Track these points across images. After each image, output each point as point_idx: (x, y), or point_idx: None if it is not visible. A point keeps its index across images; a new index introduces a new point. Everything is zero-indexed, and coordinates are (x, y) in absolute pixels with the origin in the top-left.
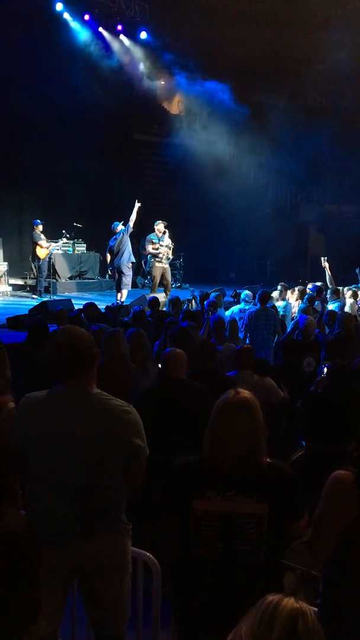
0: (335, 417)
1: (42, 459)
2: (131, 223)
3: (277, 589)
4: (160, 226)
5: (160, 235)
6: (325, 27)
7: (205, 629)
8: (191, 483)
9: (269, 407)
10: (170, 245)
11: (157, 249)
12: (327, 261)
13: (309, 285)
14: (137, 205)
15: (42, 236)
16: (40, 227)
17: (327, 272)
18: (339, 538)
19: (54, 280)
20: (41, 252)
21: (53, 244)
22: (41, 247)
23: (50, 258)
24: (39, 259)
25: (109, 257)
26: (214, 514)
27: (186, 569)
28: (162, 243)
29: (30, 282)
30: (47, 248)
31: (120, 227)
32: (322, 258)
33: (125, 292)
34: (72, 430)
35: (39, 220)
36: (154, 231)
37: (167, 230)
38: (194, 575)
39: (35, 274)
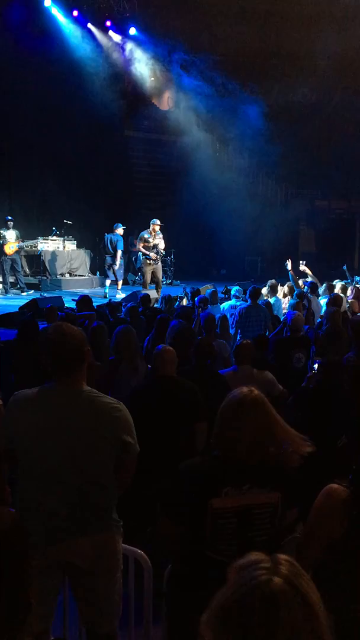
0: (326, 413)
1: (33, 456)
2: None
3: None
4: (155, 226)
5: (154, 234)
6: (316, 23)
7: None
8: (205, 483)
9: (269, 401)
10: (159, 244)
11: (147, 247)
12: (306, 265)
13: (300, 281)
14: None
15: (2, 233)
16: (9, 224)
17: (309, 274)
18: (326, 551)
19: (44, 278)
20: (8, 249)
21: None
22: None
23: (40, 255)
24: (5, 254)
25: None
26: (232, 509)
27: (198, 574)
28: (152, 242)
29: (11, 279)
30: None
31: (120, 229)
32: (301, 262)
33: (119, 282)
34: (62, 427)
35: (9, 217)
36: (149, 227)
37: (160, 232)
38: (206, 581)
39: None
